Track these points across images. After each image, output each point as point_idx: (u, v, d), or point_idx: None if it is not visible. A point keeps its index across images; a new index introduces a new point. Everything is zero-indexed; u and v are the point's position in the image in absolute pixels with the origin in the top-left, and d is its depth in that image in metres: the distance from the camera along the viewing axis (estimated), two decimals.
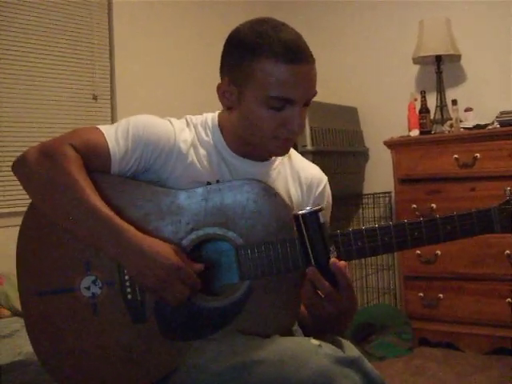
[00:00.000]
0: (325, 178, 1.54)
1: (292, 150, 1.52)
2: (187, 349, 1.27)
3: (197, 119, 1.46)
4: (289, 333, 1.31)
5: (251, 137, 1.36)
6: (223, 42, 1.37)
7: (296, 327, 1.37)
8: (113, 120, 3.31)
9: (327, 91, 4.05)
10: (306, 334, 1.37)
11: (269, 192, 1.31)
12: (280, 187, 1.43)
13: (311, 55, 1.30)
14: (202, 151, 1.40)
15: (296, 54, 1.26)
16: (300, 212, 1.21)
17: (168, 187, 1.35)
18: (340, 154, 3.77)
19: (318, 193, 1.50)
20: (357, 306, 1.29)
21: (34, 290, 1.35)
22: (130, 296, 1.31)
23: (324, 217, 1.30)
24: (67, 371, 1.34)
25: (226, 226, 1.31)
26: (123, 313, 1.31)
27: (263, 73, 1.26)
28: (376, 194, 3.92)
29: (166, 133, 1.37)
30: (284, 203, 1.32)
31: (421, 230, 1.25)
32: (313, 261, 1.20)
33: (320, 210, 1.22)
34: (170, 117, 1.45)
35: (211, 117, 1.46)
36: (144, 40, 3.53)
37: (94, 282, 1.32)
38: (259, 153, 1.41)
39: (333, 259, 1.20)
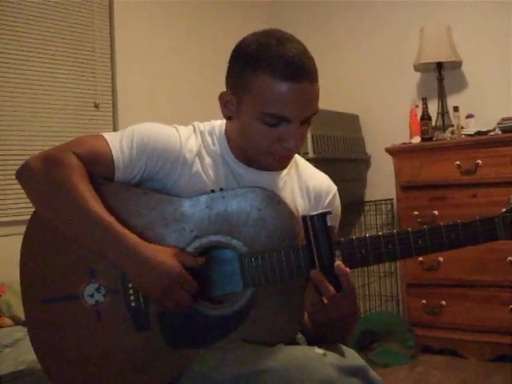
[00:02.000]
0: (334, 188, 1.52)
1: (299, 158, 1.51)
2: (191, 357, 1.27)
3: (204, 127, 1.45)
4: (293, 341, 1.30)
5: (247, 149, 1.35)
6: (226, 49, 1.37)
7: (300, 335, 1.37)
8: (114, 128, 3.31)
9: (329, 98, 4.06)
10: (308, 342, 1.36)
11: (273, 199, 1.31)
12: (287, 198, 1.41)
13: (313, 73, 1.27)
14: (207, 160, 1.40)
15: (296, 71, 1.23)
16: (308, 214, 1.21)
17: (172, 195, 1.35)
18: (341, 161, 3.76)
19: (326, 203, 1.48)
20: (359, 312, 1.29)
21: (37, 298, 1.35)
22: (133, 304, 1.31)
23: (331, 221, 1.30)
24: (71, 379, 1.34)
25: (229, 233, 1.31)
26: (127, 320, 1.31)
27: (260, 87, 1.25)
28: (378, 200, 3.93)
29: (172, 142, 1.37)
30: (288, 211, 1.32)
31: (425, 238, 1.25)
32: (317, 263, 1.20)
33: (328, 213, 1.21)
34: (170, 123, 1.44)
35: (219, 125, 1.45)
36: (146, 47, 3.54)
37: (97, 290, 1.32)
38: (258, 163, 1.39)
39: (338, 262, 1.20)
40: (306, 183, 1.48)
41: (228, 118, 1.37)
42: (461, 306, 3.30)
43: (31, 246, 1.37)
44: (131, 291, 1.31)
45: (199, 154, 1.39)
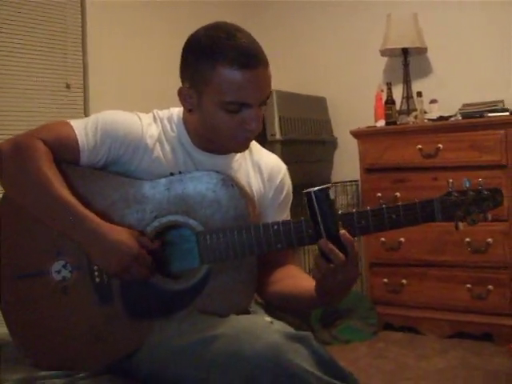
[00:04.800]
0: (284, 167, 1.63)
1: (252, 142, 1.59)
2: (151, 328, 1.37)
3: (163, 114, 1.54)
4: (246, 312, 1.39)
5: (211, 136, 1.45)
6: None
7: (254, 308, 1.46)
8: (85, 108, 3.34)
9: (297, 81, 4.15)
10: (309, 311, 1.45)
11: (226, 183, 1.41)
12: (241, 178, 1.52)
13: (264, 58, 1.38)
14: (167, 146, 1.49)
15: (249, 59, 1.33)
16: (312, 189, 1.27)
17: (134, 178, 1.44)
18: (309, 142, 3.86)
19: (278, 181, 1.59)
20: (359, 273, 1.38)
21: (7, 273, 1.44)
22: (97, 279, 1.40)
23: (284, 199, 1.49)
24: (40, 350, 1.44)
25: (187, 213, 1.40)
26: (91, 295, 1.40)
27: (218, 79, 1.34)
28: (344, 182, 4.00)
29: (134, 128, 1.46)
30: (241, 194, 1.41)
31: (368, 219, 1.34)
32: (324, 234, 1.27)
33: (329, 187, 1.28)
34: (142, 106, 1.53)
35: (177, 112, 1.53)
36: (117, 28, 3.54)
37: (64, 267, 1.41)
38: (220, 149, 1.49)
39: (343, 231, 1.27)
40: (258, 164, 1.58)
41: (189, 111, 1.45)
42: (421, 285, 3.41)
43: (2, 227, 1.46)
44: (95, 268, 1.40)
45: (160, 140, 1.48)
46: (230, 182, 1.41)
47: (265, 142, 3.50)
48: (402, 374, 2.88)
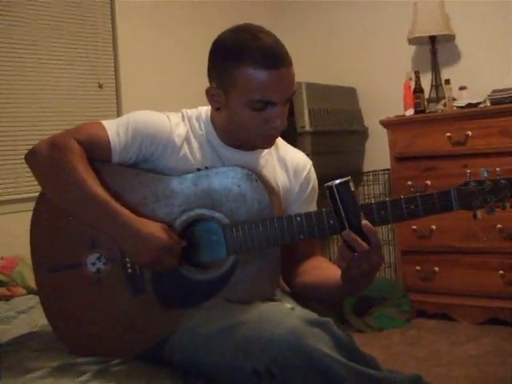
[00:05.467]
0: (309, 163, 1.70)
1: (279, 139, 1.66)
2: (181, 316, 1.44)
3: (192, 113, 1.62)
4: (271, 300, 1.45)
5: (238, 134, 1.52)
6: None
7: (280, 296, 1.53)
8: (118, 107, 3.44)
9: (327, 73, 4.19)
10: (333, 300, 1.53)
11: (250, 177, 1.48)
12: (268, 174, 1.59)
13: (288, 58, 1.44)
14: (195, 144, 1.57)
15: (274, 59, 1.40)
16: (333, 183, 1.30)
17: (162, 174, 1.52)
18: (339, 133, 3.89)
19: (303, 177, 1.66)
20: (382, 261, 1.42)
21: (46, 267, 1.54)
22: (130, 270, 1.49)
23: (310, 194, 1.57)
24: (77, 338, 1.53)
25: (213, 207, 1.48)
26: (124, 286, 1.49)
27: (245, 79, 1.41)
28: (376, 171, 4.03)
29: (163, 128, 1.54)
30: (264, 188, 1.48)
31: (387, 209, 1.39)
32: (347, 225, 1.31)
33: (350, 180, 1.32)
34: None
35: (205, 110, 1.62)
36: (148, 28, 3.63)
37: (98, 259, 1.50)
38: (247, 145, 1.56)
39: (365, 222, 1.32)
40: (284, 160, 1.65)
41: (217, 109, 1.53)
42: (453, 272, 3.43)
43: (39, 222, 1.56)
44: (127, 259, 1.48)
45: (187, 139, 1.56)
46: (254, 176, 1.48)
47: (295, 134, 3.56)
48: (435, 361, 2.90)
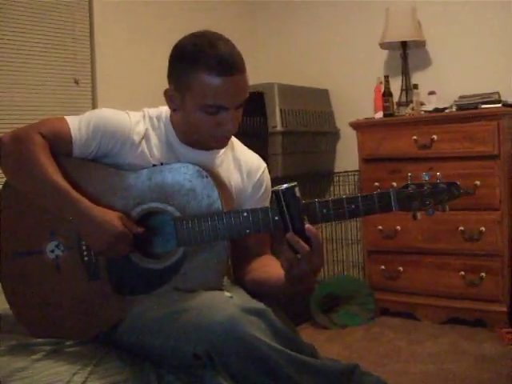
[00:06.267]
0: (263, 165, 1.79)
1: (235, 140, 1.77)
2: (133, 302, 1.53)
3: (153, 112, 1.71)
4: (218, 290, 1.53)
5: (193, 134, 1.61)
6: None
7: (227, 287, 1.60)
8: (94, 103, 3.46)
9: (300, 74, 4.27)
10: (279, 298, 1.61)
11: (201, 174, 1.57)
12: (222, 173, 1.69)
13: (242, 66, 1.52)
14: (153, 141, 1.66)
15: (228, 66, 1.48)
16: (280, 188, 1.39)
17: (121, 169, 1.61)
18: (310, 134, 3.96)
19: (256, 179, 1.76)
20: (323, 262, 1.49)
21: (8, 252, 1.63)
22: (86, 258, 1.58)
23: (263, 195, 1.66)
24: (36, 321, 1.62)
25: (166, 201, 1.57)
26: (81, 272, 1.59)
27: (199, 84, 1.49)
28: (347, 172, 4.10)
29: (122, 126, 1.63)
30: (214, 184, 1.56)
31: (329, 208, 1.46)
32: (291, 227, 1.39)
33: (296, 185, 1.39)
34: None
35: (166, 110, 1.70)
36: (124, 26, 3.65)
37: (57, 246, 1.60)
38: (203, 145, 1.65)
39: (307, 225, 1.40)
40: (239, 161, 1.74)
41: (173, 110, 1.62)
42: (416, 272, 3.51)
43: (4, 211, 1.65)
44: (84, 247, 1.58)
45: (146, 136, 1.65)
46: (204, 173, 1.57)
47: (266, 134, 3.63)
48: (394, 357, 2.99)
